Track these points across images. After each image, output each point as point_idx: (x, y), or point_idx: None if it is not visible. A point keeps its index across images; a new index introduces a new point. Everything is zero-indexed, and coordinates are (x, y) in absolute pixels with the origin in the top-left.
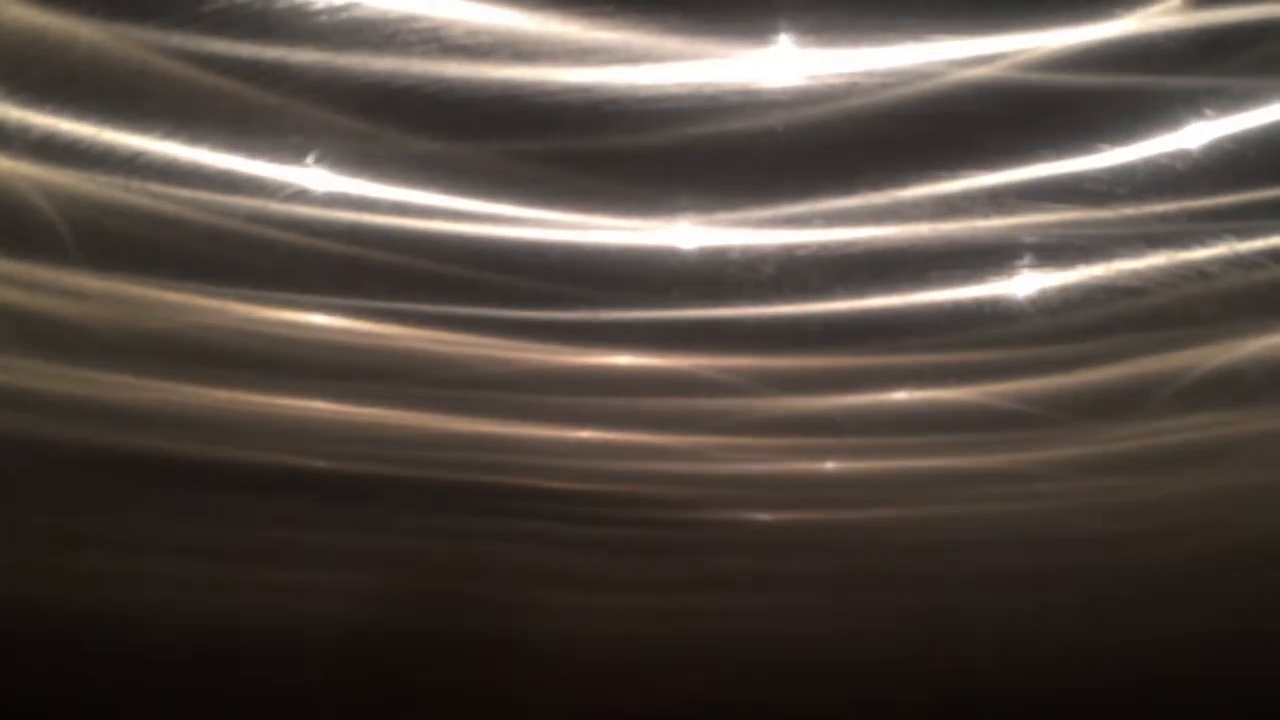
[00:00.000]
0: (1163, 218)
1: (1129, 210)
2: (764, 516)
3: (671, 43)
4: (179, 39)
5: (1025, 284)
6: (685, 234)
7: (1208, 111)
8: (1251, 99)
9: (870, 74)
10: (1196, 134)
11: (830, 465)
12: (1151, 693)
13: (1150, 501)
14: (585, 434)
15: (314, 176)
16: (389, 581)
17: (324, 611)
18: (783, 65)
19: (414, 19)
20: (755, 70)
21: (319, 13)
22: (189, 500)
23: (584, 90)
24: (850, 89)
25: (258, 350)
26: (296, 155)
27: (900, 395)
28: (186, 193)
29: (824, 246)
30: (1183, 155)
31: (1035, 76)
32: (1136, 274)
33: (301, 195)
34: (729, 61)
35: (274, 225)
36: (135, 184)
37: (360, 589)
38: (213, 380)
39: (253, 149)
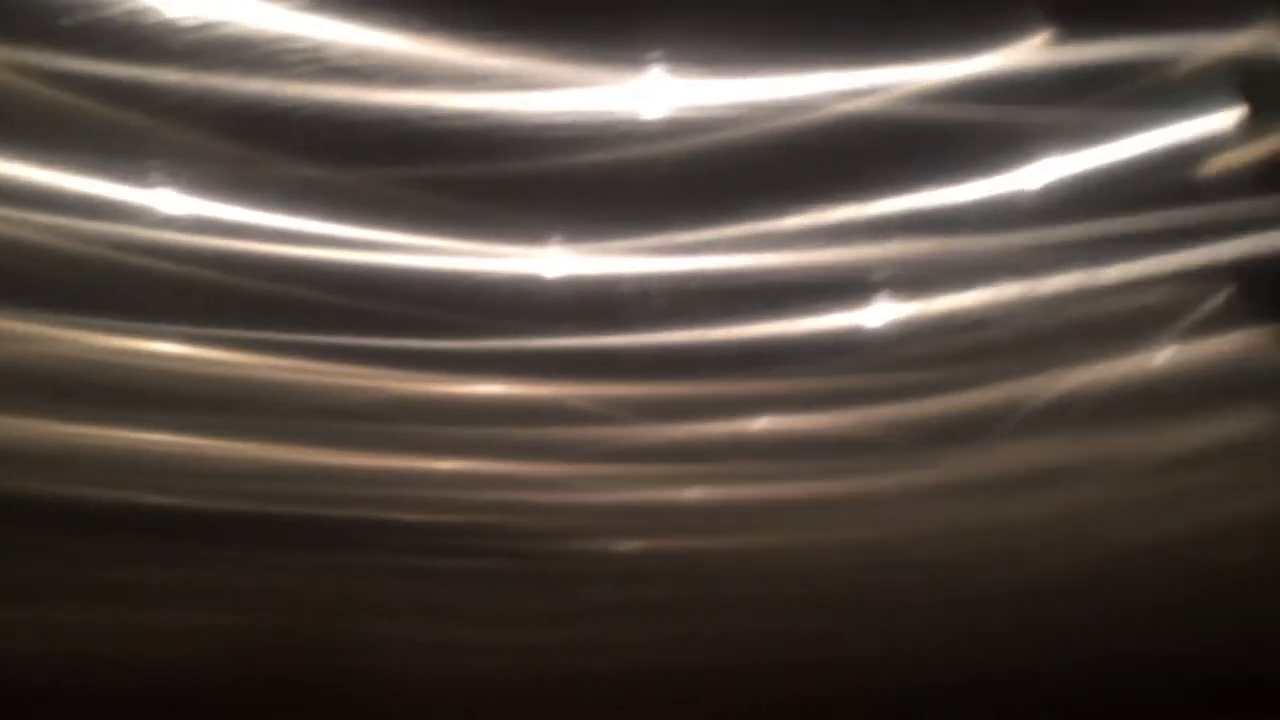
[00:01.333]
0: (1019, 250)
1: (989, 241)
2: (628, 545)
3: (557, 70)
4: (36, 55)
5: (883, 313)
6: (553, 262)
7: (1068, 145)
8: (1109, 134)
9: (744, 105)
10: (1054, 167)
11: (693, 493)
12: (1001, 712)
13: (995, 525)
14: (449, 464)
15: (181, 202)
16: (243, 620)
17: (177, 652)
18: (665, 95)
19: (292, 39)
20: (638, 99)
21: (189, 30)
22: (41, 540)
23: (462, 116)
24: (724, 120)
25: (116, 382)
26: (164, 179)
27: (761, 423)
28: (43, 218)
29: (691, 275)
30: (1041, 186)
31: (908, 109)
32: (991, 304)
33: (167, 221)
34: (613, 90)
35: (138, 252)
36: None
37: (212, 628)
38: (70, 414)
39: (116, 172)
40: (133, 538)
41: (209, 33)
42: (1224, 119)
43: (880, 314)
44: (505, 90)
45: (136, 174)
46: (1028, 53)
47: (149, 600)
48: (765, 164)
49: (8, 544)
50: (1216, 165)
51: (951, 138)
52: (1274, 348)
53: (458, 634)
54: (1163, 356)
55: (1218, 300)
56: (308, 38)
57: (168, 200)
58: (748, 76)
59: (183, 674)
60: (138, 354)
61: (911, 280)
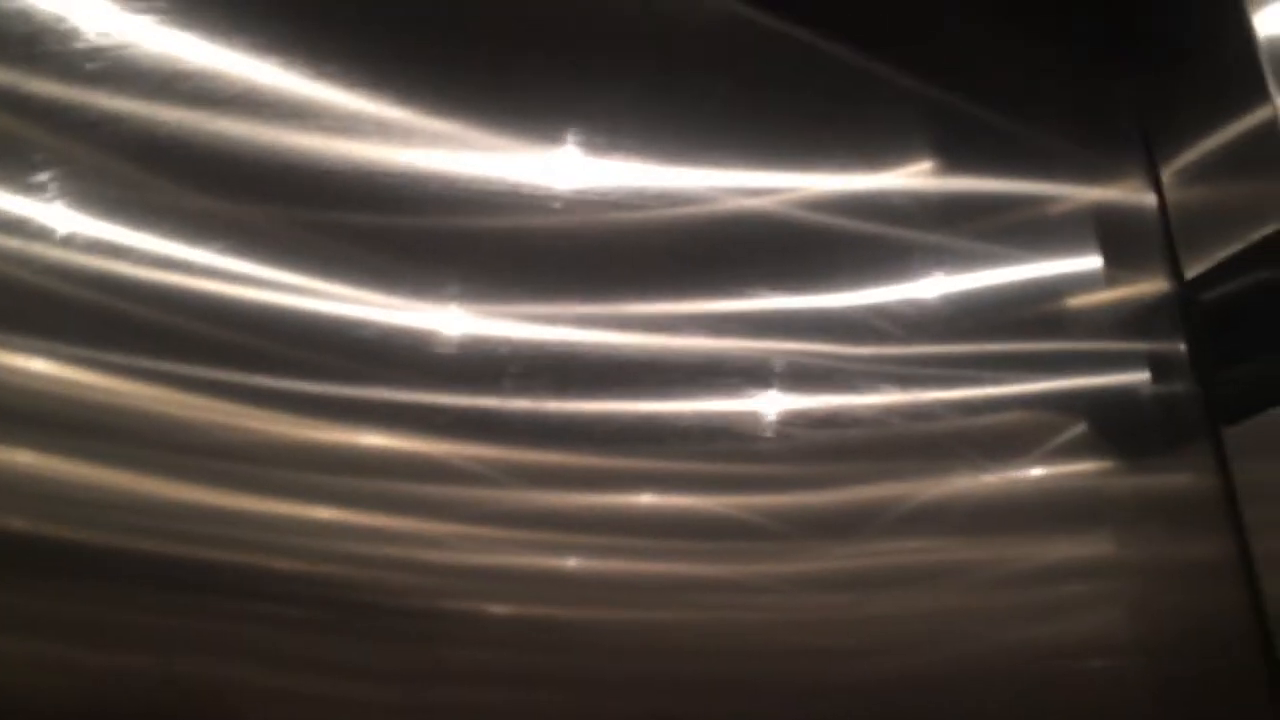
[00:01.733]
0: (898, 360)
1: (865, 349)
2: (500, 610)
3: (466, 132)
4: None
5: (771, 403)
6: (452, 320)
7: (942, 268)
8: (984, 261)
9: (653, 191)
10: (933, 286)
11: (572, 562)
12: None
13: (864, 619)
14: (324, 513)
15: (71, 219)
16: (88, 656)
17: (11, 682)
18: (571, 170)
19: (193, 70)
20: (544, 172)
21: (91, 50)
22: None
23: (375, 168)
24: (630, 202)
25: None
26: (46, 193)
27: (646, 498)
28: None
29: (585, 348)
30: (920, 303)
31: (800, 214)
32: (871, 407)
33: (54, 237)
34: (519, 158)
35: (17, 264)
36: None
37: (55, 661)
38: None
39: (8, 183)
40: None
41: (110, 55)
42: (1087, 262)
43: (765, 404)
44: (421, 148)
45: (30, 187)
46: (912, 178)
47: None
48: (665, 248)
49: None
50: (1078, 304)
51: (838, 245)
52: (1120, 478)
53: (319, 685)
54: (1026, 474)
55: (1075, 429)
56: (209, 71)
57: (58, 216)
58: (655, 164)
59: (32, 708)
60: (6, 369)
61: (797, 375)
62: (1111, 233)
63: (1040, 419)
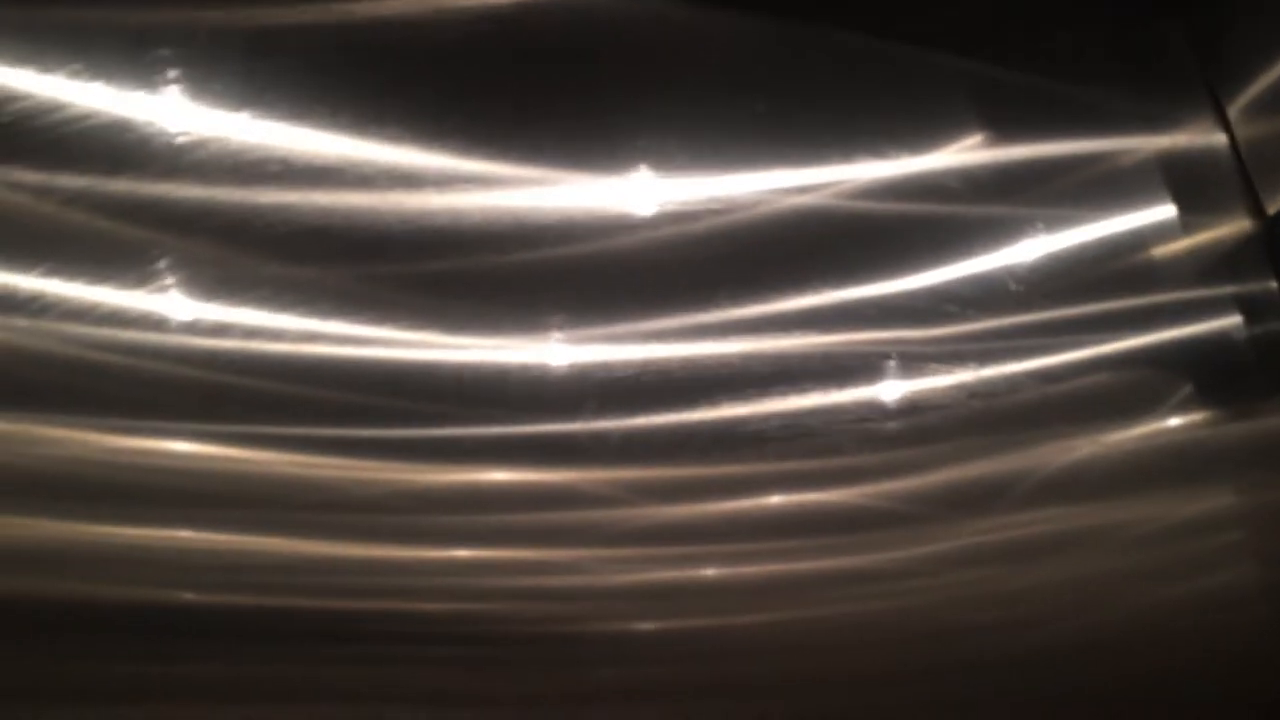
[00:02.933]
0: (987, 335)
1: (952, 329)
2: (647, 626)
3: (531, 170)
4: (20, 172)
5: (879, 392)
6: (552, 351)
7: (1011, 238)
8: (1050, 226)
9: (726, 200)
10: (1004, 257)
11: (710, 571)
12: None
13: (1013, 591)
14: (457, 553)
15: (168, 303)
16: (261, 714)
17: None
18: (637, 192)
19: (272, 150)
20: (611, 196)
21: (168, 145)
22: (41, 641)
23: (447, 215)
24: (710, 211)
25: (116, 481)
26: (149, 283)
27: (775, 499)
28: (31, 323)
29: (686, 360)
30: (995, 276)
31: (853, 205)
32: (978, 382)
33: (155, 322)
34: (585, 188)
35: (129, 353)
36: None
37: None
38: (72, 514)
39: (116, 279)
40: (141, 634)
41: (186, 146)
42: (1163, 211)
43: (880, 392)
44: (497, 190)
45: (123, 278)
46: (963, 153)
47: (157, 696)
48: (749, 253)
49: (16, 646)
50: (1158, 256)
51: (901, 231)
52: (1228, 426)
53: (481, 719)
54: (1153, 430)
55: (1174, 383)
56: (308, 149)
57: (165, 304)
58: (722, 173)
59: None
60: (138, 453)
61: (912, 360)
62: (1183, 179)
63: (1138, 377)
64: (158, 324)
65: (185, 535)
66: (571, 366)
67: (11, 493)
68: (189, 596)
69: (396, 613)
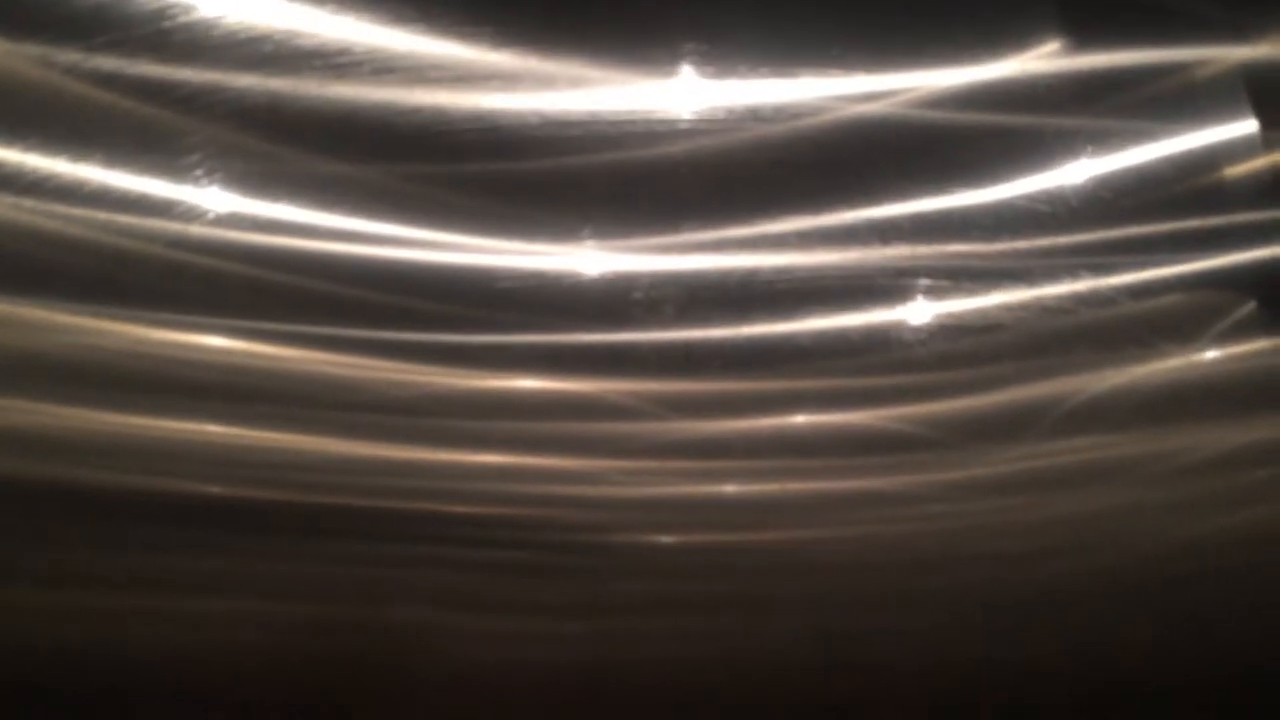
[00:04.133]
0: (1038, 253)
1: (1007, 245)
2: (666, 539)
3: (575, 70)
4: (73, 56)
5: (913, 313)
6: (588, 259)
7: (1083, 152)
8: (1128, 140)
9: (771, 107)
10: (1071, 173)
11: (731, 488)
12: (1045, 708)
13: (1038, 522)
14: (487, 458)
15: (211, 196)
16: (284, 609)
17: (214, 640)
18: (684, 95)
19: (311, 39)
20: (656, 99)
21: (218, 33)
22: (80, 528)
23: (488, 116)
24: (752, 119)
25: (151, 372)
26: (193, 175)
27: (798, 419)
28: (76, 211)
29: (722, 274)
30: (1061, 191)
31: (922, 114)
32: (1021, 304)
33: (198, 215)
34: (631, 90)
35: (169, 245)
36: (24, 202)
37: (253, 617)
38: (103, 403)
39: (147, 167)
40: (171, 526)
41: (236, 37)
42: (1241, 128)
43: (913, 313)
44: (535, 90)
45: (167, 170)
46: (1040, 61)
47: (185, 588)
48: (790, 163)
49: (48, 531)
50: (1235, 174)
51: (970, 142)
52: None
53: (496, 624)
54: (1193, 360)
55: (1242, 307)
56: (329, 38)
57: (206, 196)
58: (768, 78)
59: (217, 662)
60: (179, 346)
61: (942, 280)
62: (1265, 93)
63: (1204, 300)
64: (196, 216)
65: (214, 430)
66: (605, 276)
67: (39, 378)
68: (214, 490)
69: (421, 514)
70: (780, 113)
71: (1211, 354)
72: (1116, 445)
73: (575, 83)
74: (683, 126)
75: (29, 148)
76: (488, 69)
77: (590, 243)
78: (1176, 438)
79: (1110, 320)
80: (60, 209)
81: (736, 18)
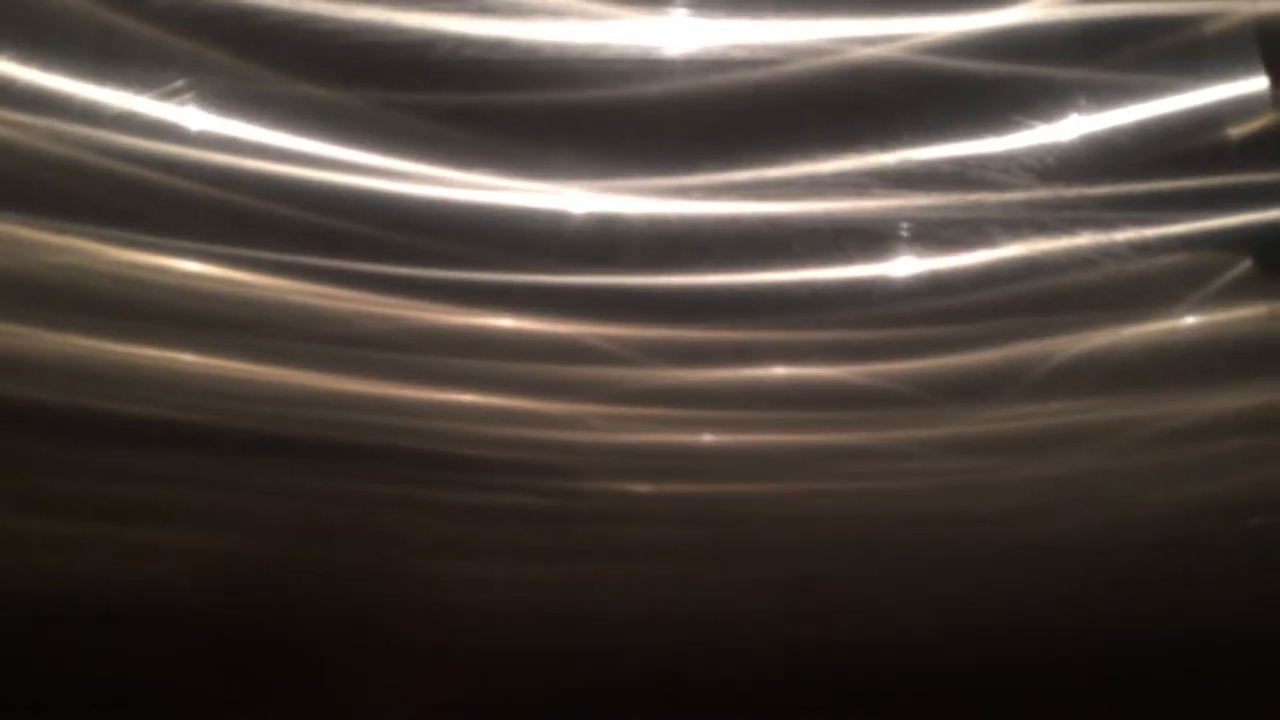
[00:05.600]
0: (1037, 205)
1: (1007, 197)
2: (641, 487)
3: (571, 2)
4: None
5: (903, 266)
6: (574, 199)
7: (1090, 103)
8: (1132, 93)
9: (767, 47)
10: (1077, 125)
11: (707, 438)
12: (1008, 665)
13: (1012, 484)
14: (464, 397)
15: (187, 114)
16: (258, 543)
17: (182, 571)
18: (681, 32)
19: None
20: (652, 35)
21: None
22: (42, 452)
23: (478, 45)
24: (747, 61)
25: (119, 295)
26: (169, 91)
27: (779, 370)
28: (40, 121)
29: (711, 219)
30: (1063, 144)
31: (929, 60)
32: (1007, 261)
33: (172, 133)
34: (626, 24)
35: (139, 162)
36: None
37: (227, 551)
38: (68, 325)
39: (119, 80)
40: (137, 453)
41: None
42: (1251, 85)
43: (899, 266)
44: (525, 19)
45: (141, 84)
46: (1052, 7)
47: (162, 518)
48: (785, 107)
49: (11, 455)
50: (1241, 132)
51: (971, 90)
52: (1267, 327)
53: (466, 567)
54: (1179, 323)
55: (1237, 269)
56: None
57: (187, 116)
58: (770, 18)
59: (182, 592)
60: (152, 269)
61: (931, 233)
62: (1276, 49)
63: (1199, 261)
64: (172, 134)
65: (186, 358)
66: (589, 216)
67: (6, 298)
68: (181, 418)
69: (395, 450)
70: (779, 54)
71: (1200, 318)
72: (1092, 409)
73: (569, 15)
74: (677, 65)
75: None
76: None
77: (579, 182)
78: (1160, 402)
79: (1102, 279)
80: (15, 117)
81: None
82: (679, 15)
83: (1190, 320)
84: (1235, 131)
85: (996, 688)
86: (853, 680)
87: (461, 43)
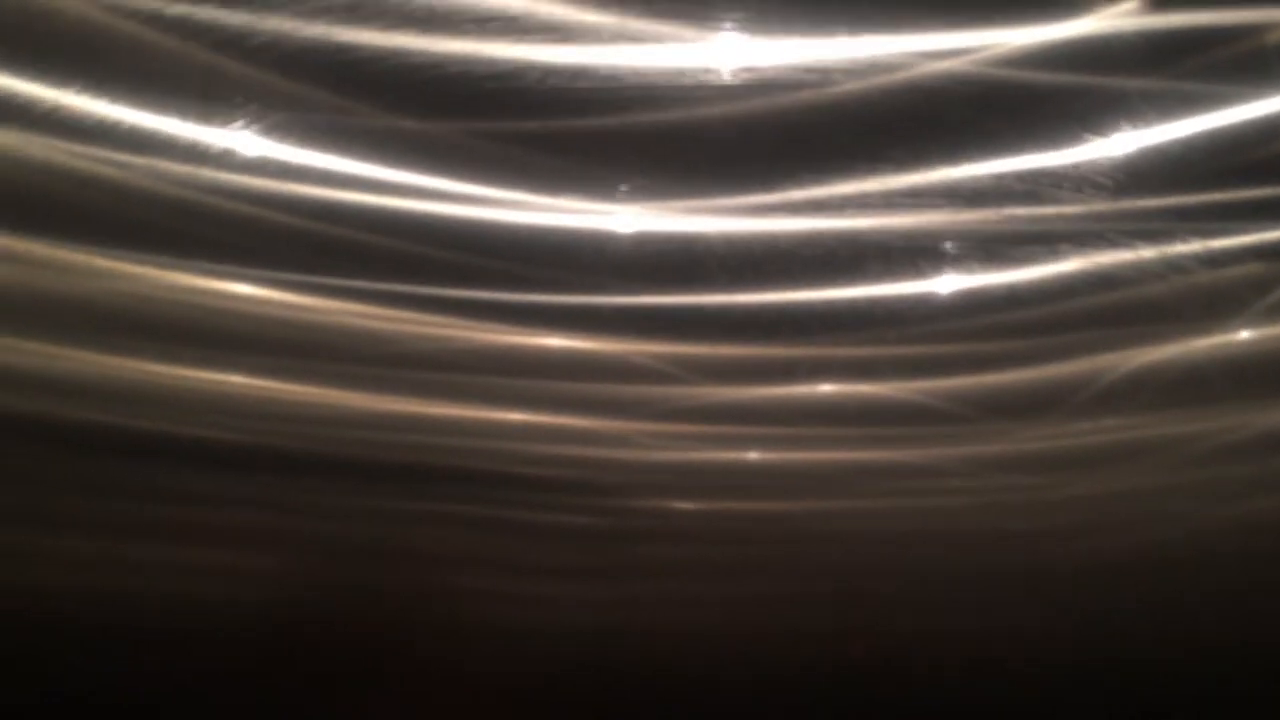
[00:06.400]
0: (1103, 218)
1: (1073, 210)
2: (688, 505)
3: (626, 25)
4: (148, 3)
5: (954, 282)
6: (623, 219)
7: (1158, 114)
8: (1195, 104)
9: (829, 65)
10: (1140, 137)
11: (754, 455)
12: (1052, 683)
13: (1058, 502)
14: (514, 416)
15: (255, 143)
16: (307, 562)
17: (236, 594)
18: (738, 52)
19: None
20: (716, 58)
21: None
22: (102, 473)
23: (562, 74)
24: (804, 80)
25: (181, 319)
26: (236, 121)
27: (825, 388)
28: (117, 155)
29: (761, 238)
30: (1126, 158)
31: (995, 72)
32: (1073, 275)
33: (238, 162)
34: (701, 47)
35: (206, 191)
36: (58, 143)
37: (276, 570)
38: (133, 350)
39: (192, 113)
40: (199, 475)
41: None
42: None
43: (952, 283)
44: (587, 44)
45: (227, 119)
46: (1118, 19)
47: (217, 540)
48: (842, 126)
49: (71, 476)
50: None
51: (1035, 103)
52: None
53: (516, 585)
54: (1238, 337)
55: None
56: None
57: (256, 146)
58: (827, 36)
59: (244, 615)
60: (216, 295)
61: (984, 250)
62: None
63: (1260, 272)
64: (238, 164)
65: (244, 380)
66: (638, 237)
67: (68, 324)
68: (239, 439)
69: (449, 469)
70: (834, 73)
71: (1261, 331)
72: (1145, 426)
73: (646, 39)
74: (731, 87)
75: (61, 84)
76: (538, 23)
77: (628, 203)
78: (1216, 416)
79: (1153, 294)
80: (91, 150)
81: None
82: (754, 39)
83: (1249, 334)
84: None
85: (1041, 703)
86: (895, 696)
87: (548, 72)
